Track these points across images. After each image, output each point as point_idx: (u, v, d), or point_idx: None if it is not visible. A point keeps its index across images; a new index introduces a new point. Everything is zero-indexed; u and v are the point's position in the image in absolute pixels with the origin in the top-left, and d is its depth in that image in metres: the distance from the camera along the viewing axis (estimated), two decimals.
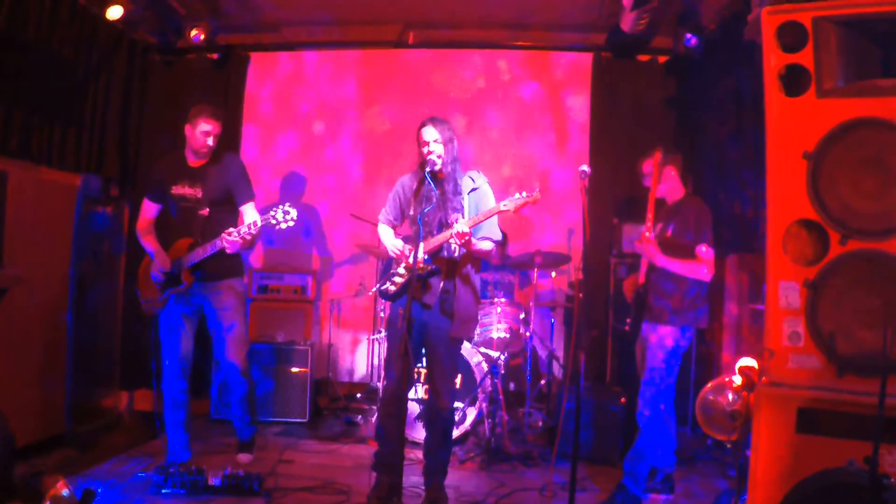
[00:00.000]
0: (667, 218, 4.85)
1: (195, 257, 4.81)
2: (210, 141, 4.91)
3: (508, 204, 4.21)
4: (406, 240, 4.64)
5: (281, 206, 4.53)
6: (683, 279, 4.64)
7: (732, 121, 5.96)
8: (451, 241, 4.29)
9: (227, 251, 4.68)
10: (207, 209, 4.92)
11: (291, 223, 4.54)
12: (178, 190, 4.96)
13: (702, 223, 4.66)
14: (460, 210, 4.45)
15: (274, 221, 4.52)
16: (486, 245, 4.49)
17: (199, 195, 4.93)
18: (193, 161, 5.01)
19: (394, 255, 4.57)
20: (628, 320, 4.88)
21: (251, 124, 7.61)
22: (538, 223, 7.35)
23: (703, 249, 4.59)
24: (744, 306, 6.34)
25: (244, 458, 5.33)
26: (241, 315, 5.11)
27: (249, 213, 4.97)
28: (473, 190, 4.56)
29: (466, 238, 4.19)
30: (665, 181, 4.85)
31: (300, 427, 6.42)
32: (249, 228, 4.61)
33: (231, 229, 4.63)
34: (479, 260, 4.65)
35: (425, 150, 4.44)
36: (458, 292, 4.47)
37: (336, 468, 5.33)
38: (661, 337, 4.68)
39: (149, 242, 5.01)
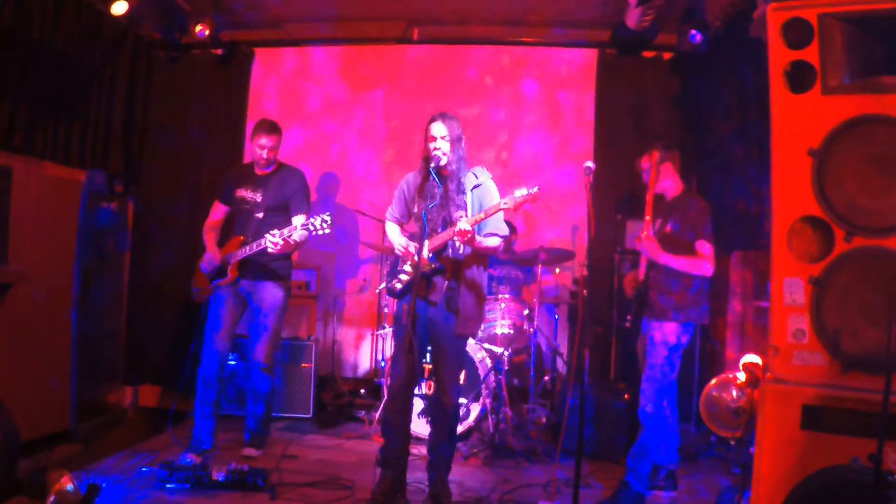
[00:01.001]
0: (666, 214, 4.84)
1: (241, 254, 5.24)
2: (265, 154, 5.37)
3: (509, 201, 4.21)
4: (412, 237, 4.64)
5: (320, 216, 4.84)
6: (684, 275, 4.64)
7: (737, 117, 5.94)
8: (455, 238, 4.29)
9: (270, 251, 4.97)
10: (263, 213, 5.34)
11: (328, 230, 4.86)
12: (241, 193, 5.44)
13: (701, 219, 4.65)
14: (463, 208, 4.45)
15: (312, 229, 4.84)
16: (492, 241, 4.49)
17: (259, 199, 5.38)
18: (259, 170, 5.49)
19: (399, 254, 4.58)
20: (629, 317, 4.88)
21: (255, 120, 7.56)
22: (542, 219, 7.35)
23: (704, 245, 4.59)
24: (748, 303, 6.33)
25: (251, 452, 5.37)
26: (278, 316, 5.43)
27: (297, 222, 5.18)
28: (476, 186, 4.55)
29: (469, 236, 4.20)
30: (663, 178, 4.85)
31: (304, 422, 6.44)
32: (290, 231, 4.90)
33: (275, 230, 4.94)
34: (485, 257, 4.64)
35: (432, 145, 4.43)
36: (463, 289, 4.47)
37: (340, 463, 5.34)
38: (663, 333, 4.68)
39: (208, 238, 5.51)
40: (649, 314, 4.78)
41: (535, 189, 4.17)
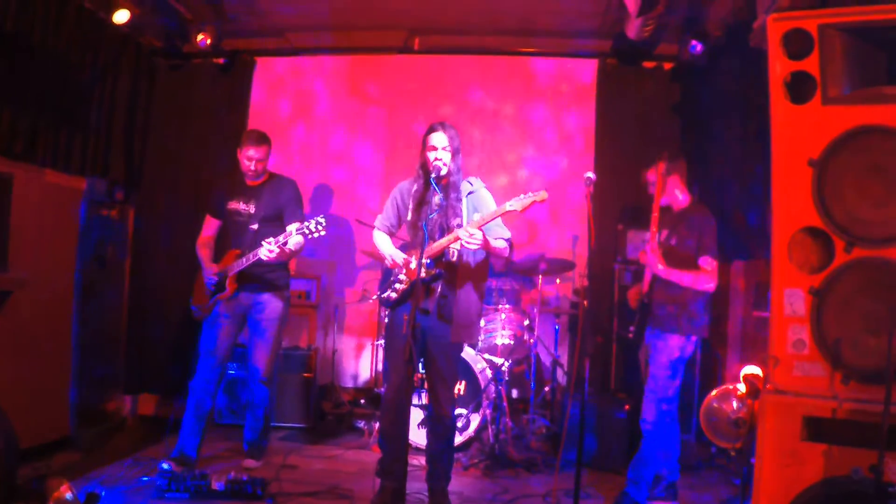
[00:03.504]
0: (672, 226, 4.82)
1: (238, 266, 5.14)
2: (254, 165, 5.27)
3: (515, 204, 4.20)
4: (406, 246, 4.63)
5: (314, 218, 4.75)
6: (688, 288, 4.63)
7: (737, 128, 5.95)
8: (463, 242, 4.26)
9: (266, 260, 4.91)
10: (257, 224, 5.25)
11: (323, 232, 4.77)
12: (234, 205, 5.36)
13: (706, 234, 4.63)
14: (460, 215, 4.44)
15: (307, 232, 4.75)
16: (501, 244, 4.52)
17: (252, 211, 5.31)
18: (250, 181, 5.40)
19: (390, 265, 4.57)
20: (631, 328, 4.87)
21: (256, 129, 7.59)
22: (543, 229, 7.35)
23: (708, 261, 4.57)
24: (748, 314, 6.32)
25: (251, 463, 5.36)
26: (278, 327, 5.38)
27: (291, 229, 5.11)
28: (470, 193, 4.56)
29: (479, 239, 4.20)
30: (670, 189, 4.83)
31: (304, 432, 6.43)
32: (285, 238, 4.83)
33: (270, 239, 4.86)
34: (484, 265, 4.63)
35: (432, 155, 4.42)
36: (458, 297, 4.46)
37: (340, 473, 5.33)
38: (666, 345, 4.67)
39: (202, 255, 5.42)
40: (653, 325, 4.77)
41: (543, 193, 4.16)
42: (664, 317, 4.69)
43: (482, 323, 6.11)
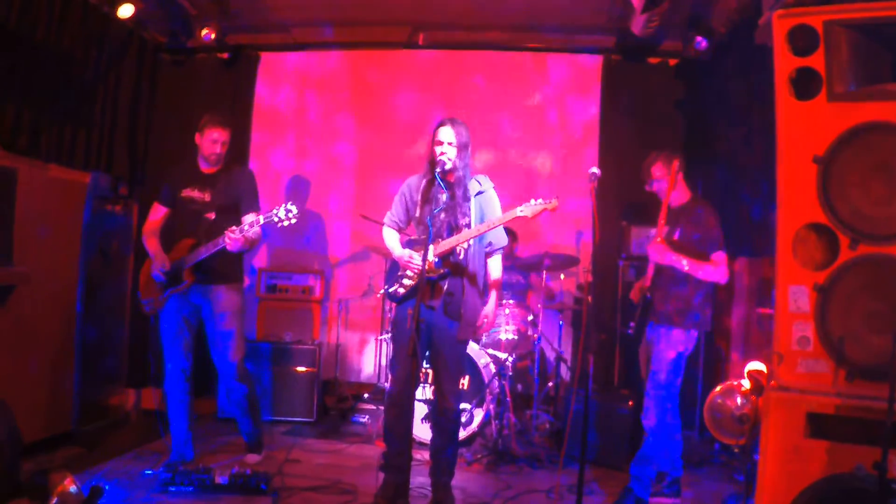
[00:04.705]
0: (674, 221, 4.80)
1: (197, 256, 4.90)
2: (218, 148, 5.08)
3: (525, 210, 4.22)
4: (412, 242, 4.63)
5: (284, 205, 4.59)
6: (691, 282, 4.62)
7: (742, 124, 5.93)
8: (462, 245, 4.30)
9: (229, 248, 4.74)
10: (214, 213, 5.04)
11: (294, 220, 4.60)
12: (188, 193, 5.10)
13: (713, 228, 4.62)
14: (468, 214, 4.45)
15: (276, 219, 4.58)
16: (495, 262, 4.71)
17: (208, 199, 5.07)
18: (206, 168, 5.16)
19: (401, 263, 4.57)
20: (632, 323, 4.86)
21: (260, 123, 7.61)
22: (547, 225, 7.33)
23: (719, 255, 4.57)
24: (753, 310, 6.31)
25: (252, 458, 5.35)
26: (239, 320, 5.18)
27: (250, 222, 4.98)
28: (480, 193, 4.56)
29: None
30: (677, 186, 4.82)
31: (307, 427, 6.44)
32: (252, 225, 4.68)
33: (234, 227, 4.70)
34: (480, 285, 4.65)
35: (438, 149, 4.42)
36: (465, 295, 4.47)
37: (343, 468, 5.34)
38: (667, 340, 4.66)
39: (151, 244, 5.10)
40: (655, 320, 4.76)
41: (555, 201, 4.20)
42: (667, 311, 4.68)
43: None
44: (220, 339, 5.12)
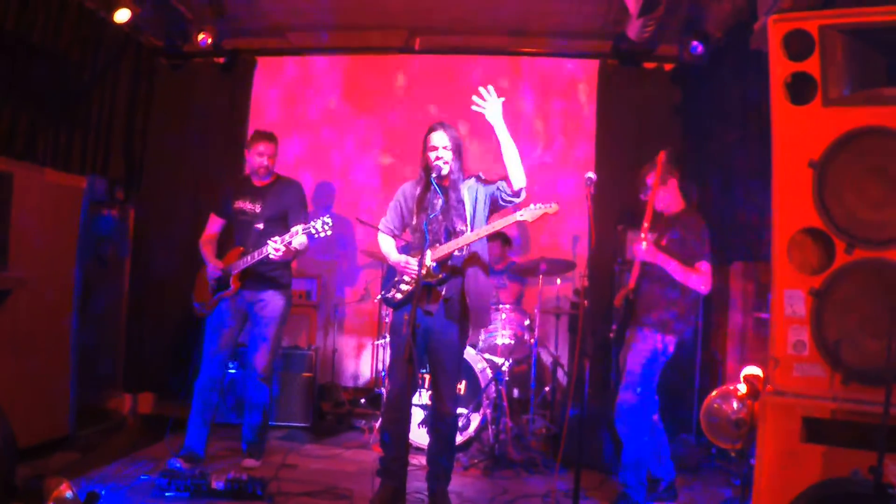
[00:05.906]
0: (663, 229, 4.81)
1: (243, 263, 5.19)
2: (266, 161, 5.39)
3: (526, 214, 4.23)
4: (408, 248, 4.63)
5: (321, 218, 4.82)
6: (674, 288, 4.62)
7: (738, 129, 5.95)
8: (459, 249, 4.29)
9: (272, 258, 4.98)
10: (262, 224, 5.32)
11: (329, 233, 4.85)
12: (240, 205, 5.43)
13: (702, 239, 4.63)
14: (464, 217, 4.45)
15: (314, 231, 4.82)
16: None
17: (258, 210, 5.37)
18: (257, 181, 5.49)
19: (398, 268, 4.56)
20: (614, 326, 4.85)
21: (257, 128, 7.52)
22: (543, 230, 7.34)
23: (704, 265, 4.57)
24: (749, 315, 6.33)
25: (250, 463, 5.34)
26: (279, 325, 5.42)
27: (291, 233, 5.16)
28: (477, 189, 4.56)
29: None
30: (667, 192, 4.82)
31: (304, 431, 6.43)
32: (291, 236, 4.89)
33: (276, 237, 4.92)
34: (487, 266, 4.63)
35: (433, 155, 4.42)
36: (465, 299, 4.45)
37: (339, 473, 5.32)
38: (645, 342, 4.66)
39: (206, 252, 5.48)
40: (634, 323, 4.76)
41: (555, 206, 4.22)
42: (647, 315, 4.68)
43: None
44: (257, 341, 5.35)
